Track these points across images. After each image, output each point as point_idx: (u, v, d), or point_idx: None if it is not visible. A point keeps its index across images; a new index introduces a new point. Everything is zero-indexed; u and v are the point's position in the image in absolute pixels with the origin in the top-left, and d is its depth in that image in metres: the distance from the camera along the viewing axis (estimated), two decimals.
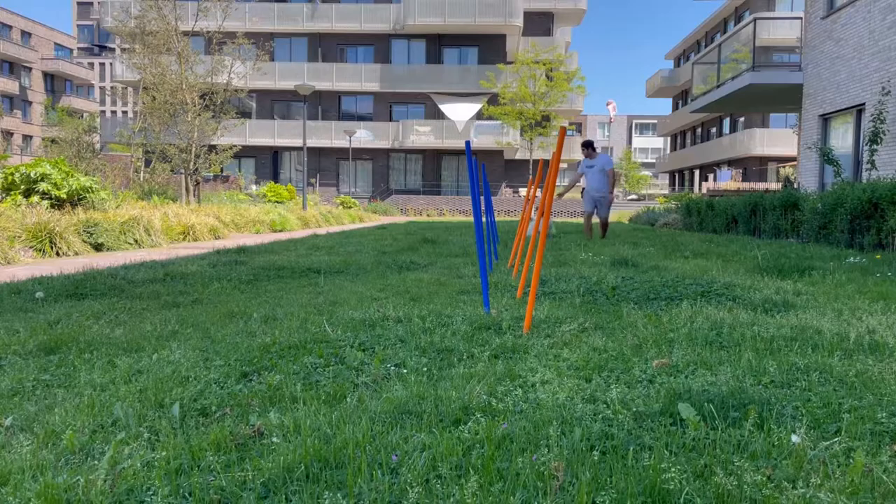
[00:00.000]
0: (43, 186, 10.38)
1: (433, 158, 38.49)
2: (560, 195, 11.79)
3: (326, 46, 38.53)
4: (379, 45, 38.56)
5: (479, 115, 36.68)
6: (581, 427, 1.89)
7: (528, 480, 1.56)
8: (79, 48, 72.76)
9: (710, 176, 40.71)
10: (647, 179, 61.64)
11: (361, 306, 4.01)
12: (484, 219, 3.91)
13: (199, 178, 18.34)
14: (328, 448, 1.75)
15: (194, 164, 17.80)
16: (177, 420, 2.03)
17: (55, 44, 64.22)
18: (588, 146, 10.79)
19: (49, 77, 62.40)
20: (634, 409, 2.07)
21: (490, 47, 37.71)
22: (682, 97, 49.05)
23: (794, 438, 1.80)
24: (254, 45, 20.25)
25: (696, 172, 45.90)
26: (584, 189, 10.99)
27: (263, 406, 2.17)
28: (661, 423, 1.95)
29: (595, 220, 11.09)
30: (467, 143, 3.99)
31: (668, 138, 56.31)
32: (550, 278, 5.17)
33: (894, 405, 2.09)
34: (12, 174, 10.62)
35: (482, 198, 3.93)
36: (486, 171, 4.23)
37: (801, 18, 15.42)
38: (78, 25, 77.14)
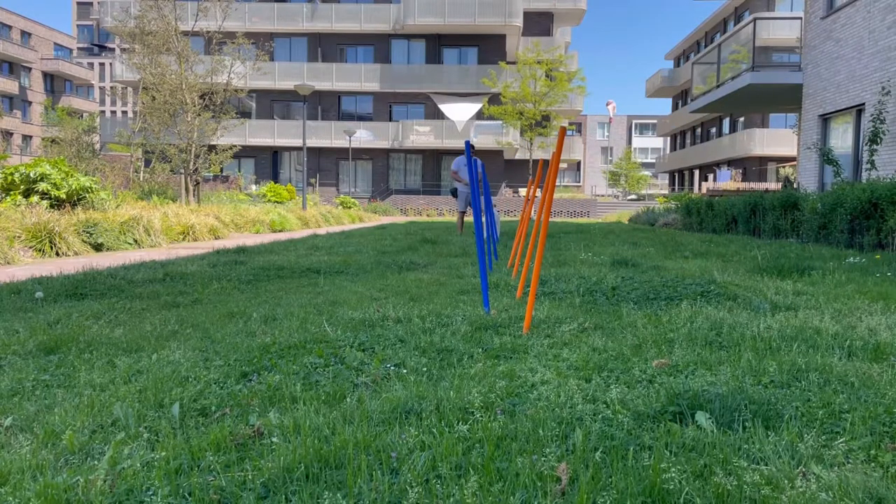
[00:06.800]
0: (42, 186, 10.38)
1: (433, 158, 38.47)
2: None
3: (326, 46, 38.52)
4: (379, 45, 38.55)
5: (479, 115, 36.66)
6: (581, 427, 1.89)
7: (528, 480, 1.56)
8: (78, 48, 72.70)
9: (710, 176, 40.70)
10: (646, 179, 61.53)
11: (361, 306, 4.01)
12: (484, 219, 3.91)
13: (198, 178, 18.32)
14: (328, 448, 1.75)
15: (194, 164, 17.79)
16: (176, 420, 2.02)
17: (55, 44, 64.17)
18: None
19: (49, 77, 62.36)
20: (634, 409, 2.07)
21: (490, 47, 37.70)
22: (682, 97, 49.04)
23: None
24: (254, 45, 20.23)
25: (696, 172, 45.90)
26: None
27: (263, 406, 2.17)
28: (661, 423, 1.95)
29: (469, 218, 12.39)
30: (467, 142, 3.99)
31: (668, 138, 56.30)
32: (550, 278, 5.16)
33: (895, 405, 2.09)
34: (12, 174, 10.61)
35: (482, 198, 3.93)
36: (485, 170, 4.24)
37: (800, 18, 15.42)
38: (78, 25, 77.10)
